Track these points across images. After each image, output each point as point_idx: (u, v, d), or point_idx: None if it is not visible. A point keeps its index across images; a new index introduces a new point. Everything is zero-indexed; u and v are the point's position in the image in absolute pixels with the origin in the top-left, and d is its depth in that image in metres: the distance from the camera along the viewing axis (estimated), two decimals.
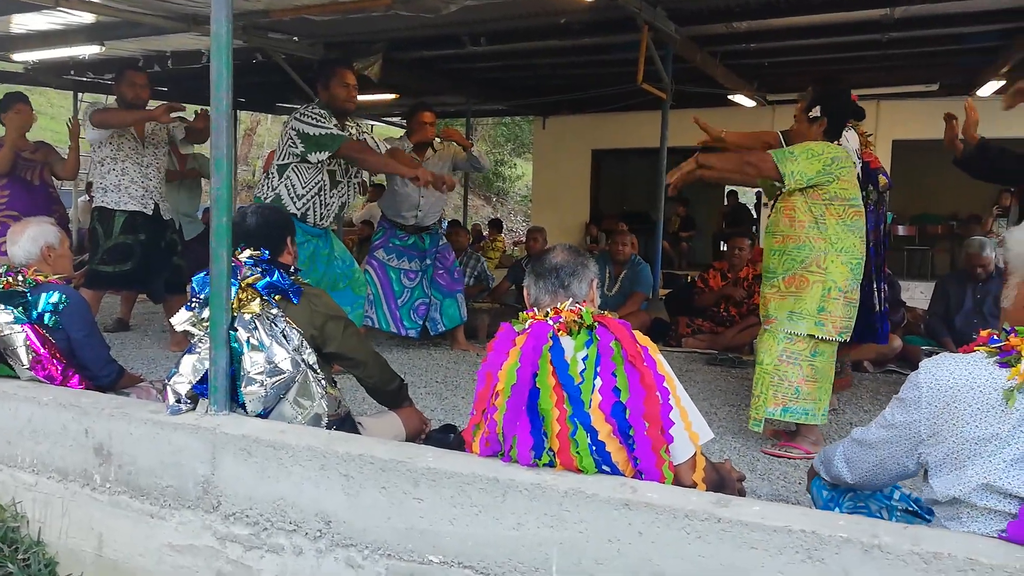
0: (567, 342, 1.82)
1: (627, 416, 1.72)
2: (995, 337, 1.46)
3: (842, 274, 3.07)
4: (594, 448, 1.72)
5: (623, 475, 1.73)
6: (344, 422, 2.30)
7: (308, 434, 2.03)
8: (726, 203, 12.03)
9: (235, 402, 2.23)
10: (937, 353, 4.36)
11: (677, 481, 1.77)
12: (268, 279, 2.27)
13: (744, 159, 3.21)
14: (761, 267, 5.84)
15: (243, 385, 2.17)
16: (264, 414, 2.21)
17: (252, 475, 2.02)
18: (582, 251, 2.04)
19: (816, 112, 3.16)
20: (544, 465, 1.75)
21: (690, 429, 1.82)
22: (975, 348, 1.48)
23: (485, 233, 11.82)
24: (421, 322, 5.03)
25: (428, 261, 5.01)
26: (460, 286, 5.20)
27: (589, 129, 11.40)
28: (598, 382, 1.77)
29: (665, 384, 1.77)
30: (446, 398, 3.92)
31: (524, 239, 15.04)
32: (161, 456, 2.16)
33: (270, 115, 14.43)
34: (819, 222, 3.09)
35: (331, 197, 3.97)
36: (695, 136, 3.90)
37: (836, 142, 3.21)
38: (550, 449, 1.75)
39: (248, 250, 2.33)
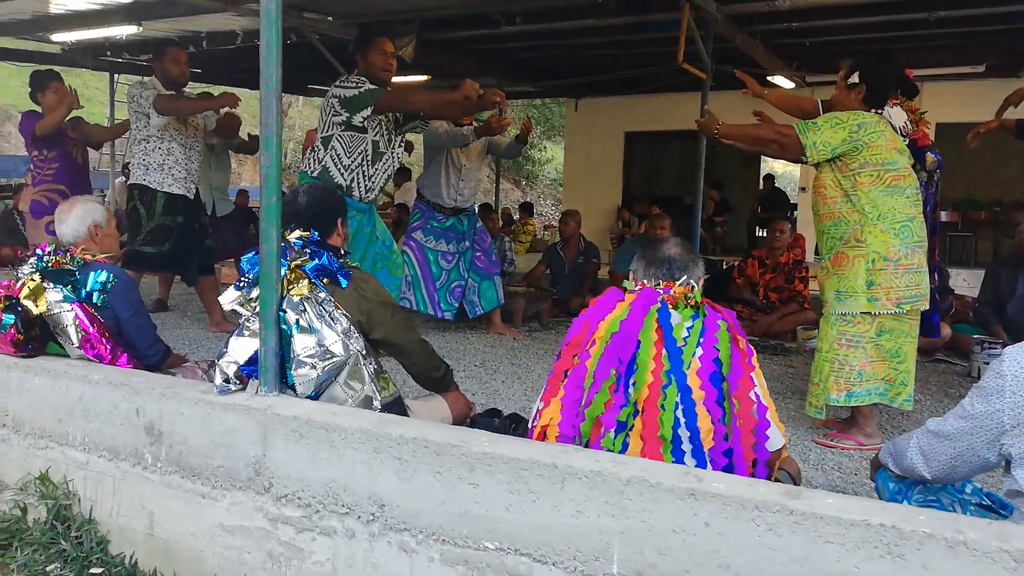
0: (674, 313, 1.84)
1: (725, 389, 1.72)
2: None
3: (883, 242, 2.95)
4: (682, 407, 1.72)
5: (701, 445, 1.71)
6: (394, 405, 2.27)
7: (361, 416, 2.00)
8: (762, 186, 11.82)
9: (285, 384, 2.21)
10: (988, 341, 4.25)
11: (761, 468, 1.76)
12: (317, 261, 2.24)
13: (762, 134, 3.15)
14: (801, 253, 5.79)
15: (293, 368, 2.15)
16: (314, 396, 2.19)
17: (304, 457, 2.00)
18: (693, 247, 2.05)
19: (855, 79, 3.06)
20: (626, 415, 1.73)
21: (778, 421, 1.80)
22: None
23: (516, 217, 11.75)
24: (457, 304, 5.00)
25: (467, 243, 4.98)
26: (498, 268, 5.17)
27: (622, 111, 11.26)
28: (699, 351, 1.78)
29: (756, 376, 1.78)
30: (486, 382, 3.89)
31: (556, 223, 15.01)
32: (212, 436, 2.15)
33: (301, 97, 14.44)
34: (849, 195, 2.99)
35: (375, 169, 3.93)
36: (734, 119, 3.82)
37: (879, 111, 3.10)
38: (635, 401, 1.74)
39: (298, 231, 2.30)
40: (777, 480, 1.89)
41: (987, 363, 4.40)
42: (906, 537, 1.38)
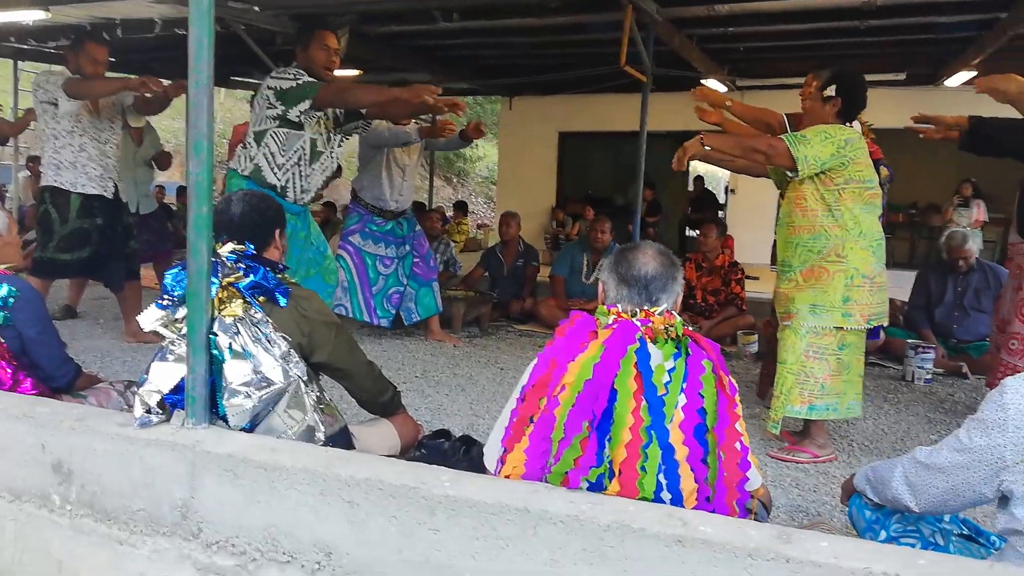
0: (654, 350, 1.66)
1: (712, 443, 1.57)
2: None
3: (864, 260, 2.95)
4: (664, 468, 1.55)
5: (683, 507, 1.56)
6: (339, 436, 2.08)
7: (305, 453, 1.80)
8: (692, 188, 11.97)
9: (215, 414, 1.99)
10: (921, 346, 4.32)
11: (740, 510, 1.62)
12: (252, 278, 2.03)
13: (753, 145, 3.05)
14: (730, 254, 5.81)
15: (225, 397, 1.93)
16: (249, 428, 1.98)
17: (239, 499, 1.79)
18: (673, 256, 1.84)
19: (831, 91, 3.03)
20: (597, 476, 1.57)
21: (755, 460, 1.67)
22: None
23: (450, 215, 11.56)
24: (394, 311, 4.80)
25: (407, 247, 4.77)
26: (435, 274, 4.99)
27: (556, 111, 11.20)
28: (682, 399, 1.61)
29: (739, 423, 1.63)
30: (429, 395, 3.71)
31: (490, 222, 14.85)
32: (131, 476, 1.91)
33: (223, 89, 13.84)
34: (833, 209, 2.96)
35: (312, 169, 3.69)
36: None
37: (848, 126, 3.08)
38: (610, 460, 1.57)
39: (231, 243, 2.07)
40: (753, 513, 1.80)
41: (921, 367, 4.50)
42: None
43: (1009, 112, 3.32)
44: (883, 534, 1.78)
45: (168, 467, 1.86)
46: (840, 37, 7.27)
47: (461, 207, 11.36)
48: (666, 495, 1.58)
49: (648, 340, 1.68)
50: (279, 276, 2.11)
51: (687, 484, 1.59)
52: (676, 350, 1.68)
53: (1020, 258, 3.55)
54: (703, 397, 1.64)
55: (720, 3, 6.12)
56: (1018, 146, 3.54)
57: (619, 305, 1.76)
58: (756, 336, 5.10)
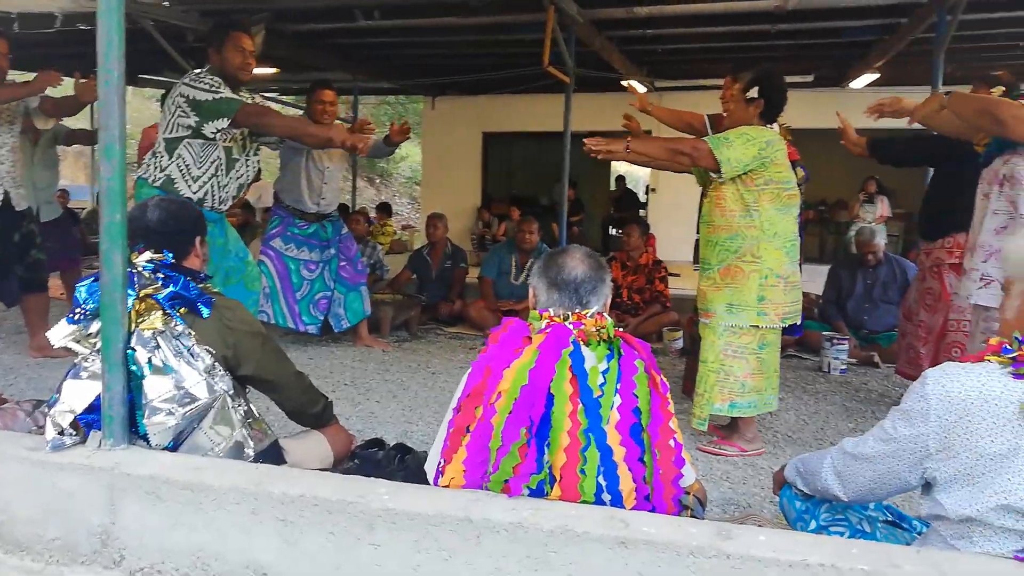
0: (587, 352, 1.66)
1: (647, 442, 1.58)
2: (1007, 347, 1.38)
3: (777, 260, 3.02)
4: (603, 469, 1.56)
5: (623, 507, 1.57)
6: (269, 451, 2.00)
7: (233, 471, 1.73)
8: (615, 188, 12.17)
9: (135, 433, 1.88)
10: (836, 337, 4.50)
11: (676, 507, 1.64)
12: (172, 288, 1.93)
13: (677, 147, 3.09)
14: (653, 252, 5.92)
15: (146, 415, 1.83)
16: (172, 447, 1.88)
17: (164, 523, 1.70)
18: (600, 258, 1.84)
19: (754, 93, 3.10)
20: (538, 483, 1.56)
21: (689, 457, 1.69)
22: (985, 357, 1.41)
23: (373, 216, 11.38)
24: (322, 317, 4.68)
25: (332, 251, 4.66)
26: (363, 278, 4.89)
27: (480, 111, 11.18)
28: (617, 400, 1.62)
29: (670, 409, 1.65)
30: (359, 403, 3.63)
31: (412, 224, 14.69)
32: (44, 502, 1.79)
33: (131, 88, 13.22)
34: (751, 210, 3.02)
35: (228, 178, 3.55)
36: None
37: (772, 126, 3.17)
38: (550, 466, 1.57)
39: (148, 252, 1.96)
40: (689, 508, 1.82)
41: (836, 358, 4.70)
42: (844, 574, 1.33)
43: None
44: (813, 523, 1.84)
45: (85, 492, 1.75)
46: (753, 40, 7.52)
47: (385, 208, 11.19)
48: (606, 496, 1.59)
49: (581, 343, 1.69)
50: (201, 286, 2.01)
51: (626, 484, 1.60)
52: (608, 351, 1.69)
53: (924, 256, 3.76)
54: (637, 397, 1.65)
55: (639, 5, 6.24)
56: (907, 156, 4.19)
57: (551, 309, 1.76)
58: (681, 332, 5.21)
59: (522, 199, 12.07)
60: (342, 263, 4.72)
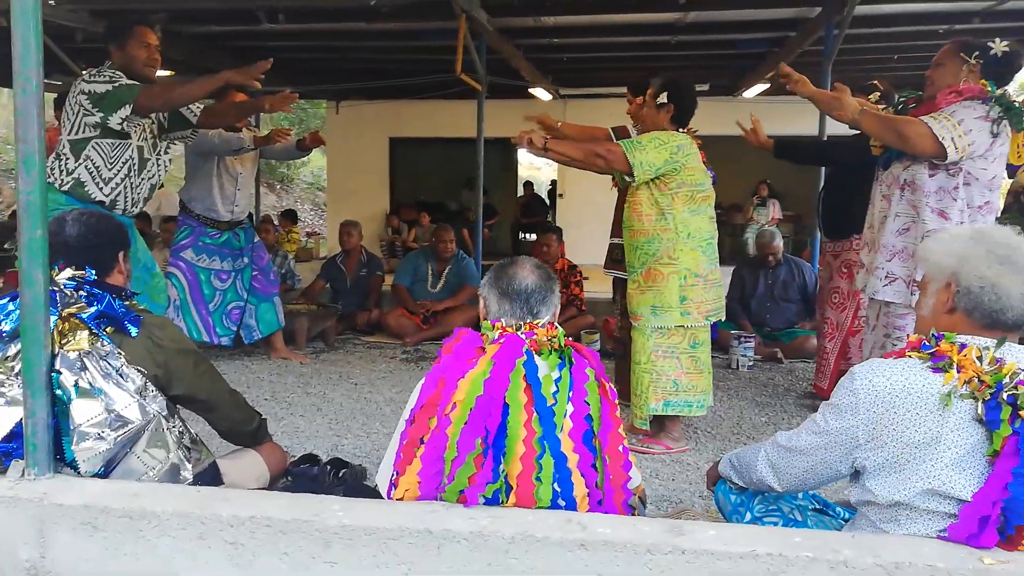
0: (540, 362, 1.70)
1: (598, 448, 1.63)
2: (926, 343, 1.51)
3: (694, 259, 3.14)
4: (558, 476, 1.59)
5: (577, 512, 1.61)
6: (208, 472, 1.93)
7: (175, 496, 1.66)
8: (522, 193, 12.31)
9: (60, 461, 1.78)
10: (743, 336, 4.73)
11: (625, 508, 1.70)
12: (98, 306, 1.83)
13: (595, 150, 3.18)
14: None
15: (74, 441, 1.74)
16: (102, 474, 1.79)
17: (101, 553, 1.62)
18: (548, 269, 1.90)
19: (663, 99, 3.24)
20: (494, 492, 1.58)
21: (633, 456, 1.76)
22: (906, 353, 1.53)
23: (278, 224, 11.06)
24: (235, 328, 4.53)
25: (244, 260, 4.51)
26: (276, 288, 4.76)
27: (385, 116, 11.07)
28: (570, 408, 1.66)
29: (619, 415, 1.71)
30: (283, 418, 3.54)
31: (317, 231, 14.31)
32: None
33: (6, 90, 12.32)
34: (665, 213, 3.12)
35: (140, 179, 3.38)
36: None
37: (684, 130, 3.30)
38: (506, 474, 1.59)
39: (68, 269, 1.86)
40: (635, 510, 1.89)
41: (744, 355, 4.93)
42: (792, 563, 1.42)
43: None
44: (748, 515, 1.94)
45: (9, 525, 1.64)
46: (654, 51, 7.80)
47: (290, 215, 10.90)
48: (561, 503, 1.63)
49: (534, 352, 1.73)
50: (127, 303, 1.92)
51: (579, 490, 1.65)
52: (560, 360, 1.74)
53: (831, 257, 4.01)
54: (589, 404, 1.70)
55: (546, 15, 6.36)
56: (811, 156, 4.75)
57: (503, 319, 1.79)
58: (598, 335, 5.35)
59: (430, 205, 12.03)
60: (255, 273, 4.58)
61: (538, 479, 1.61)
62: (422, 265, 5.79)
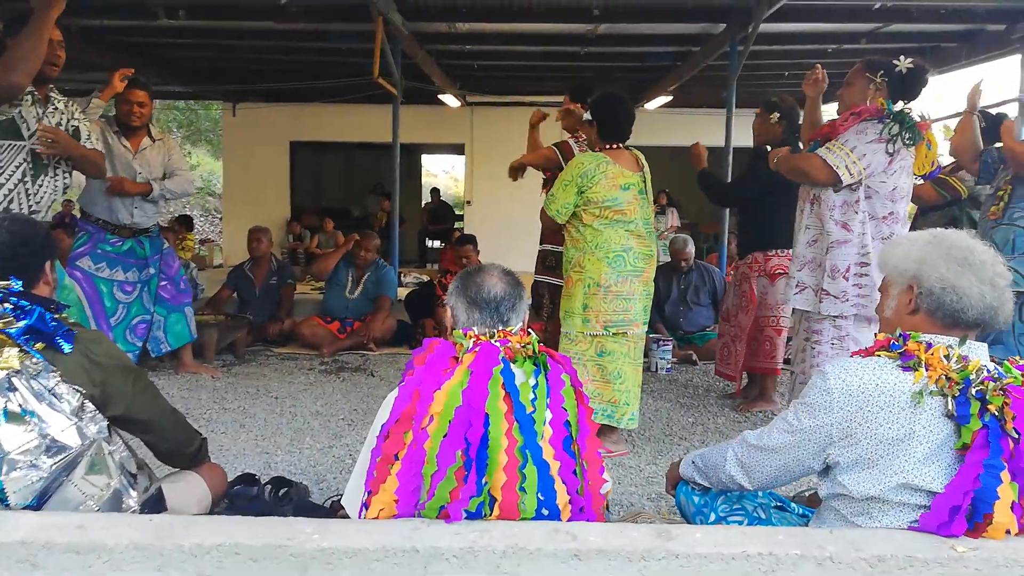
0: (516, 369, 1.65)
1: (577, 454, 1.60)
2: (895, 343, 1.58)
3: (598, 270, 3.20)
4: (541, 486, 1.56)
5: (559, 520, 1.58)
6: (154, 498, 1.77)
7: (127, 526, 1.51)
8: (430, 199, 12.21)
9: None
10: (661, 339, 4.86)
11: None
12: (26, 321, 1.65)
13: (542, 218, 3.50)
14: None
15: (3, 471, 1.56)
16: (34, 505, 1.61)
17: None
18: (515, 275, 1.85)
19: (589, 116, 3.35)
20: (477, 505, 1.53)
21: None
22: (876, 352, 1.59)
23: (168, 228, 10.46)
24: (141, 343, 4.23)
25: (151, 270, 4.22)
26: (188, 298, 4.49)
27: (285, 120, 10.73)
28: (548, 414, 1.63)
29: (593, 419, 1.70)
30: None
31: (211, 238, 13.63)
32: None
33: None
34: (578, 227, 3.28)
35: (38, 185, 3.09)
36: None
37: (614, 144, 3.34)
38: (488, 486, 1.54)
39: None
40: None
41: (662, 358, 5.06)
42: (781, 561, 1.44)
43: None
44: (712, 515, 1.97)
45: None
46: (564, 61, 7.94)
47: (184, 221, 10.31)
48: (544, 512, 1.60)
49: (509, 360, 1.69)
50: (59, 316, 1.75)
51: (562, 498, 1.62)
52: (535, 367, 1.71)
53: (735, 269, 4.31)
54: (566, 410, 1.68)
55: (461, 21, 6.35)
56: (716, 198, 4.92)
57: (474, 328, 1.75)
58: None
59: (333, 211, 11.74)
60: (163, 283, 4.30)
61: (522, 489, 1.57)
62: (342, 271, 5.62)
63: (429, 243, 11.79)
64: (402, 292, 6.27)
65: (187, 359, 4.55)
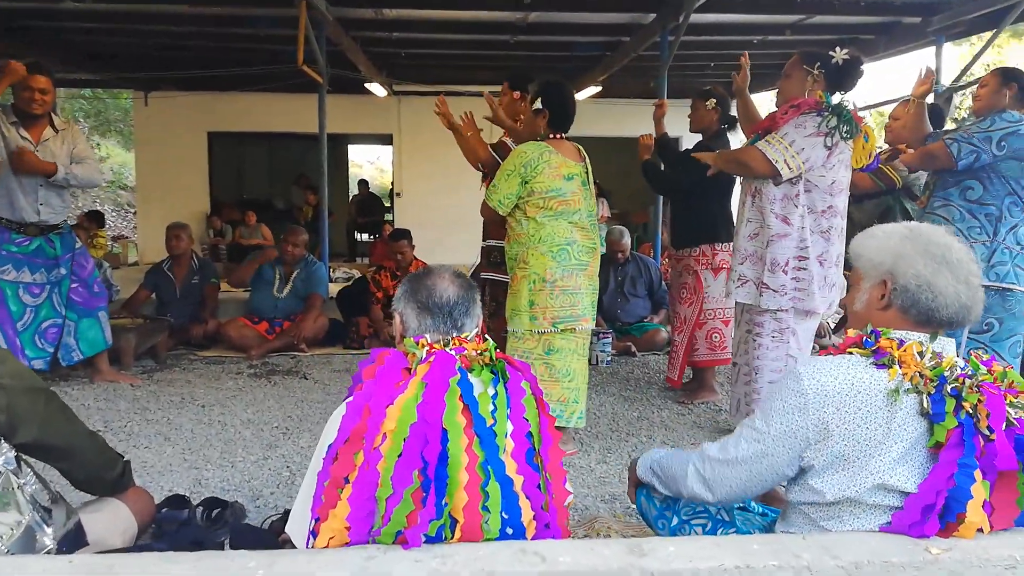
0: (474, 379, 1.54)
1: (541, 466, 1.51)
2: (867, 340, 1.54)
3: (543, 265, 3.12)
4: (505, 503, 1.45)
5: (525, 537, 1.49)
6: (74, 535, 1.59)
7: (44, 569, 1.34)
8: (358, 191, 11.91)
9: None
10: (601, 332, 4.84)
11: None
12: None
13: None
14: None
15: None
16: None
17: None
18: (467, 277, 1.73)
19: (539, 104, 3.22)
20: (437, 529, 1.42)
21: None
22: (848, 350, 1.55)
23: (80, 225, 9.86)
24: (52, 349, 3.93)
25: (62, 271, 3.90)
26: (103, 301, 4.19)
27: (203, 109, 10.22)
28: (509, 426, 1.53)
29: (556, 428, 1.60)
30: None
31: (124, 235, 12.93)
32: None
33: None
34: (521, 219, 3.18)
35: None
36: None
37: (558, 135, 3.26)
38: (449, 507, 1.43)
39: None
40: None
41: (603, 351, 5.04)
42: (759, 573, 1.39)
43: None
44: (675, 519, 1.91)
45: None
46: (492, 49, 7.81)
47: (95, 217, 9.73)
48: (509, 531, 1.50)
49: (466, 369, 1.58)
50: None
51: (526, 515, 1.53)
52: (493, 376, 1.61)
53: (674, 260, 4.27)
54: (528, 420, 1.59)
55: (388, 7, 6.15)
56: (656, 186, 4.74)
57: (427, 336, 1.63)
58: None
59: (256, 203, 11.32)
60: (74, 285, 3.99)
61: (485, 508, 1.47)
62: (268, 268, 5.37)
63: (358, 236, 11.49)
64: (333, 288, 6.06)
65: (103, 366, 4.25)
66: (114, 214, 17.24)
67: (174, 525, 2.12)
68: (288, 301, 5.29)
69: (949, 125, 4.53)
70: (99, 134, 17.77)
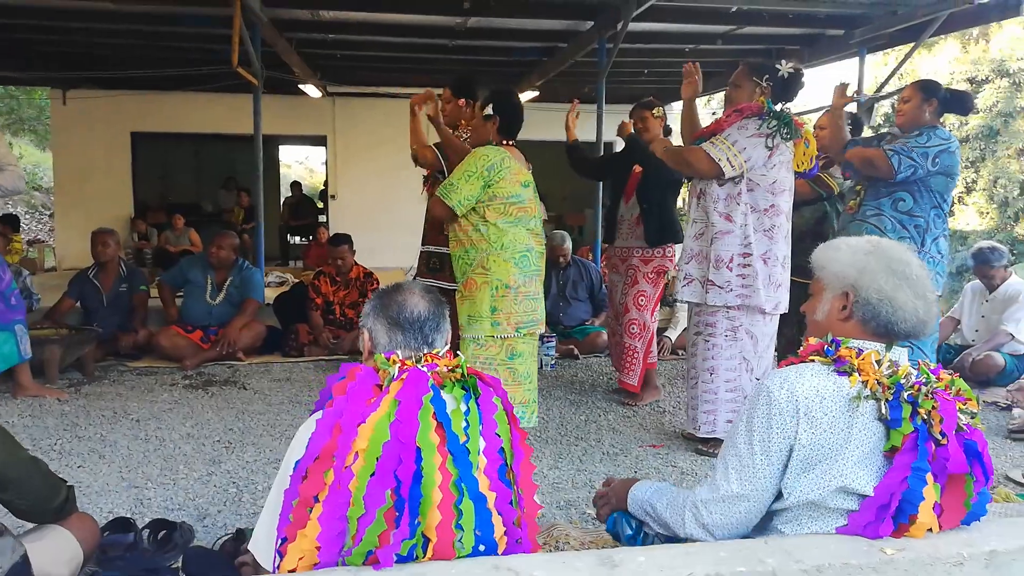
0: (446, 396, 1.52)
1: (513, 481, 1.50)
2: (828, 349, 1.59)
3: (506, 271, 3.14)
4: (478, 521, 1.44)
5: (497, 554, 1.48)
6: (18, 569, 1.50)
7: None
8: (291, 194, 11.64)
9: None
10: (545, 335, 4.86)
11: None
12: None
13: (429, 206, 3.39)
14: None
15: None
16: None
17: None
18: (436, 293, 1.70)
19: (489, 110, 3.23)
20: (409, 549, 1.39)
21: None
22: (809, 358, 1.59)
23: None
24: None
25: None
26: (19, 314, 3.95)
27: (126, 109, 9.82)
28: (482, 443, 1.52)
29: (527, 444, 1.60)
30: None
31: (40, 238, 12.28)
32: None
33: None
34: (478, 225, 3.16)
35: None
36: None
37: (508, 141, 3.27)
38: (422, 532, 1.41)
39: None
40: None
41: (547, 354, 5.07)
42: None
43: None
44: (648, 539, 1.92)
45: None
46: (431, 53, 7.77)
47: (10, 221, 9.18)
48: (480, 548, 1.49)
49: (438, 386, 1.56)
50: None
51: (498, 531, 1.52)
52: (465, 392, 1.60)
53: (641, 263, 4.17)
54: (500, 436, 1.58)
55: (324, 9, 6.04)
56: (587, 171, 4.92)
57: (398, 352, 1.60)
58: None
59: (182, 206, 10.94)
60: None
61: (459, 526, 1.45)
62: (200, 273, 5.18)
63: (291, 239, 11.24)
64: (269, 294, 5.90)
65: (25, 380, 4.04)
66: (28, 216, 16.39)
67: (120, 550, 2.03)
68: (223, 308, 5.12)
69: (867, 132, 4.73)
70: (11, 133, 16.86)
